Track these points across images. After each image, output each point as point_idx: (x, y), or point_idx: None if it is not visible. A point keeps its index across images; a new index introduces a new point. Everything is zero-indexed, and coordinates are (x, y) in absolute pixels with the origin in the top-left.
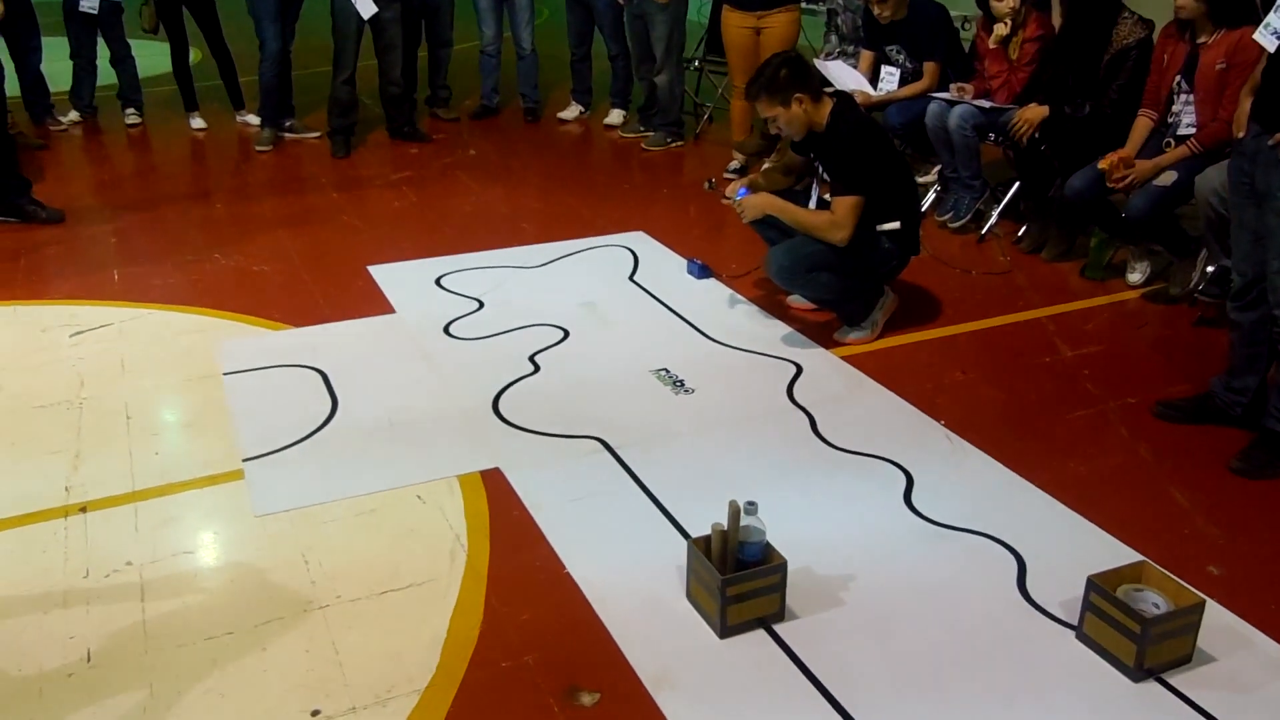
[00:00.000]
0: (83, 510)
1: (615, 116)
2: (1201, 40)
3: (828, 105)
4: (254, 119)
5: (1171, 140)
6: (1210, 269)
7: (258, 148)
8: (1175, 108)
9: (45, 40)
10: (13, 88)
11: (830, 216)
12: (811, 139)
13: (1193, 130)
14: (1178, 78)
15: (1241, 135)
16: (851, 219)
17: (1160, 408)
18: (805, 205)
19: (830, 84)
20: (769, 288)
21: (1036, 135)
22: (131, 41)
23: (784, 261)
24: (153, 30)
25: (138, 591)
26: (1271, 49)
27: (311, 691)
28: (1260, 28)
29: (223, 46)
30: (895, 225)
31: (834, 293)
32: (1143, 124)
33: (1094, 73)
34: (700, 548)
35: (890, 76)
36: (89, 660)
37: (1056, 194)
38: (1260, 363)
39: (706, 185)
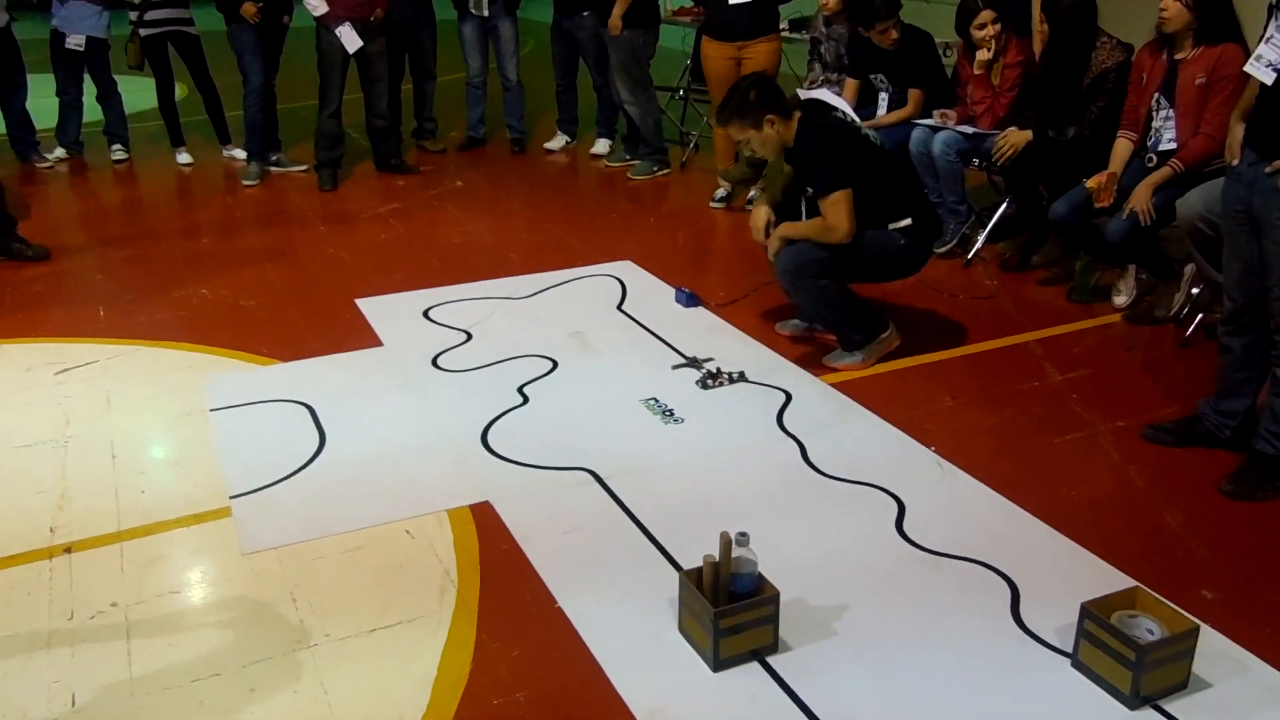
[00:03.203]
0: (68, 551)
1: (601, 146)
2: (1180, 56)
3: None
4: (240, 153)
5: (1154, 156)
6: (1195, 290)
7: (244, 182)
8: (1155, 124)
9: (31, 77)
10: None
11: (822, 221)
12: (787, 156)
13: (1174, 145)
14: (1156, 94)
15: (1235, 162)
16: (842, 215)
17: (1150, 431)
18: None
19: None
20: (757, 315)
21: (1018, 155)
22: (117, 78)
23: (787, 265)
24: (138, 66)
25: (123, 633)
26: (1269, 82)
27: None
28: (1252, 59)
29: (208, 81)
30: (907, 222)
31: (837, 311)
32: (1123, 145)
33: (1075, 97)
34: (692, 580)
35: (881, 103)
36: (74, 705)
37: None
38: (1251, 386)
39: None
